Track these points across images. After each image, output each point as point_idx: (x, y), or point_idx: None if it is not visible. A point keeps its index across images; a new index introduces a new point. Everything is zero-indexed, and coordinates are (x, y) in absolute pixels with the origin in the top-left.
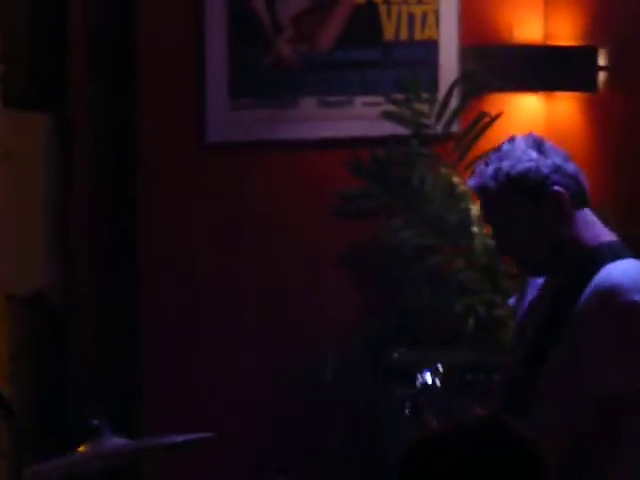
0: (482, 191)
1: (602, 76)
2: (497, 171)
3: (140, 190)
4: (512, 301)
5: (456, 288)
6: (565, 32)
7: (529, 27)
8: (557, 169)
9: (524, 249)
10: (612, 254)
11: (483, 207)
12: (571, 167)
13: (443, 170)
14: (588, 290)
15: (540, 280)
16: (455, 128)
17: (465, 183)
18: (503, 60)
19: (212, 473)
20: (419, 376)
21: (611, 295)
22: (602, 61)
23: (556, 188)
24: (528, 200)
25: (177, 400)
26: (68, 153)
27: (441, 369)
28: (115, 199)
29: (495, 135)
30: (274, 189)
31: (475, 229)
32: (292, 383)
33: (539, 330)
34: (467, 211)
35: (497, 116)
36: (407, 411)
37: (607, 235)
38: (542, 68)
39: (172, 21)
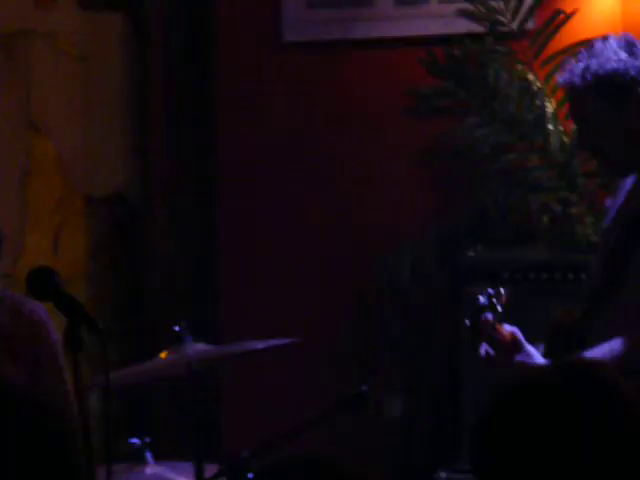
0: (569, 87)
1: None
2: (585, 69)
3: (217, 88)
4: (608, 203)
5: (531, 186)
6: None
7: None
8: None
9: (604, 148)
10: None
11: (569, 103)
12: None
13: (518, 67)
14: None
15: (626, 187)
16: (530, 25)
17: (540, 80)
18: None
19: (292, 379)
20: (477, 297)
21: None
22: None
23: None
24: (613, 101)
25: (254, 304)
26: (143, 53)
27: (503, 292)
28: (191, 98)
29: (571, 32)
30: (350, 88)
31: (550, 126)
32: (369, 285)
33: (622, 237)
34: (543, 108)
35: (572, 13)
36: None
37: None
38: None
39: None
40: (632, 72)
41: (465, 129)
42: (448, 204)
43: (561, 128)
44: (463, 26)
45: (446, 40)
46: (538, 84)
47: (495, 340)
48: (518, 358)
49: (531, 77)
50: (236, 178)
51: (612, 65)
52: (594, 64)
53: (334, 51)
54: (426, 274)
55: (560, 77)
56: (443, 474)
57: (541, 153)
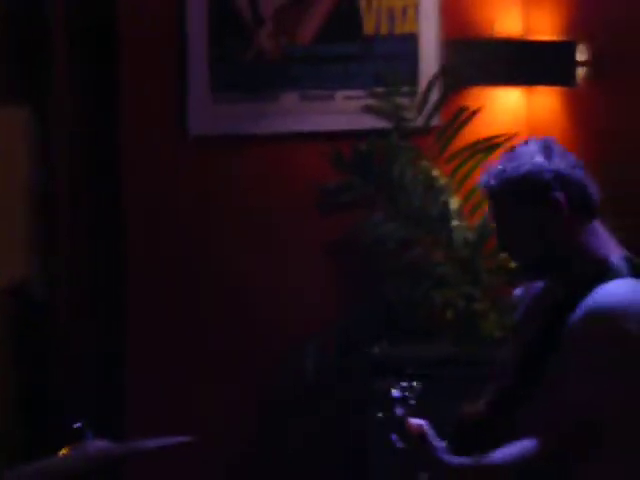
0: (486, 189)
1: (581, 71)
2: (502, 171)
3: (123, 183)
4: (518, 292)
5: (436, 281)
6: (544, 27)
7: (509, 21)
8: (560, 175)
9: (521, 250)
10: (613, 271)
11: (488, 205)
12: (578, 174)
13: (424, 163)
14: (581, 309)
15: (539, 284)
16: (436, 122)
17: (445, 176)
18: (483, 54)
19: (195, 476)
20: (393, 391)
21: (600, 318)
22: (581, 56)
23: (555, 194)
24: (529, 204)
25: (159, 401)
26: (48, 145)
27: (415, 385)
28: (97, 193)
29: (476, 129)
30: (255, 183)
31: (455, 222)
32: (273, 380)
33: (536, 338)
34: (447, 204)
35: (477, 110)
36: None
37: (614, 249)
38: (522, 62)
39: (153, 14)
40: (546, 176)
41: (371, 224)
42: (354, 299)
43: (465, 224)
44: (369, 122)
45: (352, 135)
46: (443, 180)
47: (404, 434)
48: (426, 453)
49: (436, 173)
50: (144, 275)
51: (526, 168)
52: (509, 167)
53: (239, 146)
54: (332, 369)
55: (480, 178)
56: None
57: (445, 248)
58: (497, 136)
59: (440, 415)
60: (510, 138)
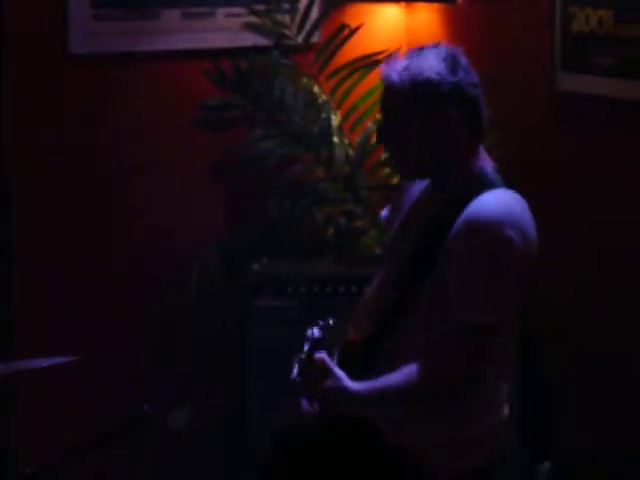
0: (385, 83)
1: None
2: (405, 69)
3: (7, 101)
4: (384, 213)
5: (317, 198)
6: None
7: None
8: (459, 89)
9: (403, 151)
10: (489, 183)
11: (381, 97)
12: (475, 91)
13: (304, 81)
14: (461, 219)
15: (412, 198)
16: (316, 39)
17: (326, 93)
18: None
19: (85, 395)
20: (310, 331)
21: (481, 227)
22: None
23: (448, 108)
24: (421, 109)
25: (46, 320)
26: None
27: (331, 322)
28: None
29: (356, 46)
30: (138, 101)
31: (336, 139)
32: (159, 297)
33: (413, 254)
34: (328, 121)
35: (358, 27)
36: (299, 361)
37: (488, 163)
38: None
39: None
40: (445, 87)
41: (251, 141)
42: (236, 217)
43: (346, 141)
44: (250, 40)
45: (233, 53)
46: (324, 97)
47: (306, 368)
48: (328, 383)
49: (317, 90)
50: (28, 194)
51: (429, 74)
52: (414, 67)
53: (121, 64)
54: (213, 287)
55: (383, 67)
56: None
57: (326, 166)
58: (377, 53)
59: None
60: (390, 55)
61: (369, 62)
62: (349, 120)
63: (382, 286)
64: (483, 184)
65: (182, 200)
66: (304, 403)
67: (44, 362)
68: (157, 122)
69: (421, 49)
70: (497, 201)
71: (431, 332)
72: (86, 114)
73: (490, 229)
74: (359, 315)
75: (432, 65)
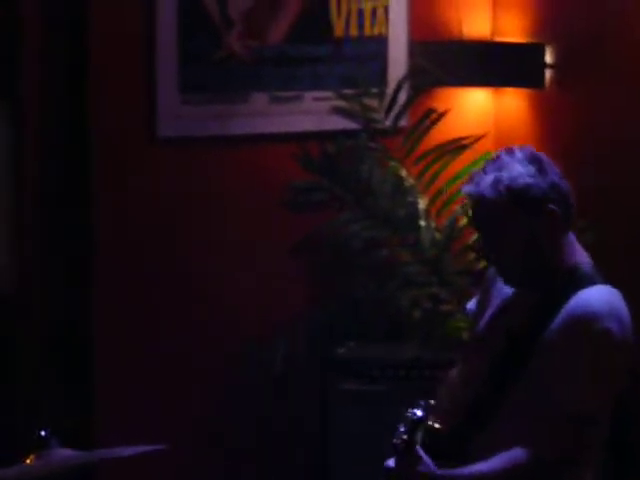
0: (479, 199)
1: (549, 73)
2: (497, 181)
3: (93, 185)
4: (470, 306)
5: (403, 281)
6: (513, 28)
7: (477, 23)
8: (555, 187)
9: (509, 259)
10: (588, 278)
11: (475, 214)
12: (565, 186)
13: (391, 164)
14: (563, 314)
15: (504, 291)
16: (404, 123)
17: (413, 177)
18: (452, 55)
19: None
20: (410, 412)
21: (586, 321)
22: (549, 58)
23: (552, 207)
24: (525, 214)
25: (128, 408)
26: (19, 146)
27: (433, 403)
28: (68, 195)
29: (443, 130)
30: (225, 184)
31: (422, 222)
32: (242, 376)
33: (508, 348)
34: (414, 204)
35: (445, 111)
36: (397, 444)
37: (584, 257)
38: (490, 64)
39: (123, 14)
40: (544, 187)
41: (339, 224)
42: (322, 299)
43: (433, 224)
44: (338, 123)
45: (320, 136)
46: (410, 181)
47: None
48: (420, 468)
49: (404, 173)
50: (111, 281)
51: (525, 180)
52: (506, 177)
53: (208, 147)
54: (298, 369)
55: (467, 187)
56: None
57: (413, 249)
58: (465, 137)
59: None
60: (478, 139)
61: (457, 146)
62: (436, 204)
63: (472, 377)
64: (581, 279)
65: (266, 280)
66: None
67: (127, 451)
68: (243, 204)
69: (498, 158)
70: (598, 296)
71: (525, 424)
72: (172, 197)
73: (591, 323)
74: (444, 403)
75: (521, 170)
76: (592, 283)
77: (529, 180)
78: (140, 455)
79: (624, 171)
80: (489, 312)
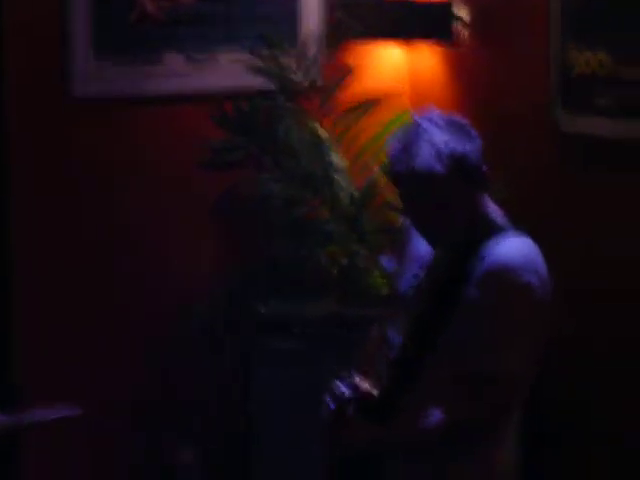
0: (422, 174)
1: (461, 29)
2: (439, 153)
3: (9, 143)
4: (386, 263)
5: (321, 239)
6: None
7: None
8: (481, 149)
9: (442, 225)
10: (505, 231)
11: (414, 190)
12: (481, 145)
13: (309, 123)
14: (479, 269)
15: (422, 248)
16: (319, 81)
17: (331, 135)
18: (364, 11)
19: (94, 440)
20: (337, 386)
21: (504, 276)
22: (460, 14)
23: (485, 169)
24: (467, 181)
25: (52, 370)
26: None
27: (357, 380)
28: None
29: (359, 88)
30: (142, 144)
31: (340, 181)
32: (162, 337)
33: (430, 307)
34: (332, 163)
35: (356, 67)
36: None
37: (498, 212)
38: (403, 20)
39: None
40: (477, 152)
41: (257, 183)
42: (240, 257)
43: (351, 182)
44: (253, 82)
45: (237, 96)
46: (328, 139)
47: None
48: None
49: (322, 132)
50: (30, 235)
51: (463, 148)
52: (444, 148)
53: (124, 107)
54: (218, 327)
55: (403, 164)
56: None
57: (331, 207)
58: (380, 93)
59: (326, 372)
60: (393, 95)
61: (373, 102)
62: (354, 162)
63: (395, 337)
64: (498, 232)
65: (186, 241)
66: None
67: (50, 414)
68: (159, 163)
69: (419, 127)
70: (514, 249)
71: (450, 383)
72: (88, 156)
73: (509, 277)
74: (368, 367)
75: (455, 139)
76: (507, 235)
77: (466, 147)
78: (63, 418)
79: (538, 129)
80: (409, 270)
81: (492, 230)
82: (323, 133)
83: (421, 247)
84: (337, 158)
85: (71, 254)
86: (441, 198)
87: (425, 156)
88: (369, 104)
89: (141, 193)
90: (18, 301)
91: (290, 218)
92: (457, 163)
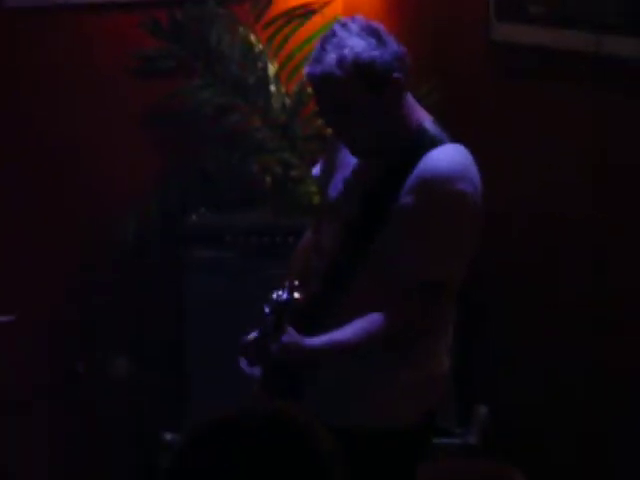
0: (324, 78)
1: None
2: (341, 58)
3: None
4: (316, 171)
5: (253, 147)
6: None
7: None
8: (396, 55)
9: (361, 135)
10: (435, 138)
11: (321, 94)
12: (402, 50)
13: (241, 30)
14: (413, 176)
15: (350, 156)
16: None
17: (262, 42)
18: None
19: (20, 351)
20: (275, 294)
21: (437, 183)
22: None
23: (397, 75)
24: (372, 88)
25: None
26: None
27: (297, 283)
28: None
29: None
30: (73, 54)
31: (272, 88)
32: (96, 249)
33: (361, 214)
34: (264, 70)
35: None
36: (265, 326)
37: (427, 118)
38: None
39: None
40: (388, 58)
41: (188, 91)
42: (171, 167)
43: (283, 90)
44: None
45: (169, 3)
46: (260, 46)
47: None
48: (284, 339)
49: (253, 39)
50: None
51: (370, 54)
52: (350, 53)
53: (56, 17)
54: (150, 238)
55: (310, 68)
56: (168, 436)
57: (263, 114)
58: (313, 2)
59: (257, 283)
60: (325, 4)
61: (305, 11)
62: (286, 69)
63: (326, 244)
64: (428, 139)
65: (116, 151)
66: (243, 364)
67: None
68: (91, 71)
69: (334, 34)
70: (447, 156)
71: (382, 289)
72: (19, 67)
73: (443, 184)
74: (301, 276)
75: (363, 44)
76: (440, 143)
77: (373, 53)
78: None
79: (473, 37)
80: (338, 178)
81: (424, 138)
82: (255, 40)
83: (350, 155)
84: (269, 65)
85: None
86: (341, 101)
87: (327, 60)
88: (304, 13)
89: (73, 105)
90: None
91: (221, 126)
92: (360, 68)
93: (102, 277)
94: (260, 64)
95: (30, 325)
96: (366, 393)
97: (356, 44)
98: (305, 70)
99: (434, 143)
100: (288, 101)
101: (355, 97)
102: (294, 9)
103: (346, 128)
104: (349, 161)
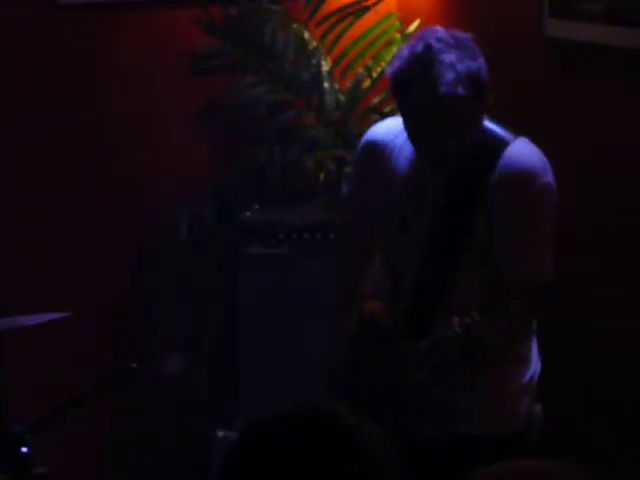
0: (448, 99)
1: None
2: (459, 75)
3: None
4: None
5: (307, 145)
6: None
7: None
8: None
9: (464, 144)
10: (501, 136)
11: (436, 116)
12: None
13: (294, 27)
14: (497, 177)
15: (397, 162)
16: None
17: (316, 39)
18: None
19: (72, 347)
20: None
21: (527, 179)
22: None
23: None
24: (480, 97)
25: (36, 277)
26: None
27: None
28: None
29: None
30: (127, 50)
31: (326, 85)
32: (150, 243)
33: (441, 222)
34: (318, 67)
35: None
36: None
37: (486, 119)
38: None
39: None
40: (483, 65)
41: (242, 87)
42: (226, 163)
43: (336, 87)
44: None
45: (223, 1)
46: (314, 43)
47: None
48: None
49: (307, 35)
50: (13, 143)
51: (477, 65)
52: (462, 68)
53: (111, 14)
54: (203, 233)
55: (422, 93)
56: (221, 433)
57: (317, 112)
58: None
59: (311, 281)
60: (379, 1)
61: (358, 8)
62: (339, 66)
63: (399, 257)
64: (496, 138)
65: (170, 148)
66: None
67: (33, 319)
68: (145, 69)
69: (429, 48)
70: (526, 152)
71: (482, 291)
72: (72, 62)
73: (533, 180)
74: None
75: (468, 58)
76: (509, 140)
77: (478, 65)
78: (46, 323)
79: (525, 35)
80: (391, 189)
81: (493, 137)
82: (309, 37)
83: (395, 161)
84: (322, 62)
85: (51, 160)
86: (460, 115)
87: (448, 80)
88: (358, 9)
89: (127, 101)
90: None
91: (275, 123)
92: (473, 83)
93: (156, 274)
94: (314, 61)
95: (85, 322)
96: (487, 399)
97: (462, 58)
98: (417, 95)
99: (504, 141)
100: (342, 98)
101: (470, 109)
102: (347, 6)
103: (451, 138)
104: (395, 167)
